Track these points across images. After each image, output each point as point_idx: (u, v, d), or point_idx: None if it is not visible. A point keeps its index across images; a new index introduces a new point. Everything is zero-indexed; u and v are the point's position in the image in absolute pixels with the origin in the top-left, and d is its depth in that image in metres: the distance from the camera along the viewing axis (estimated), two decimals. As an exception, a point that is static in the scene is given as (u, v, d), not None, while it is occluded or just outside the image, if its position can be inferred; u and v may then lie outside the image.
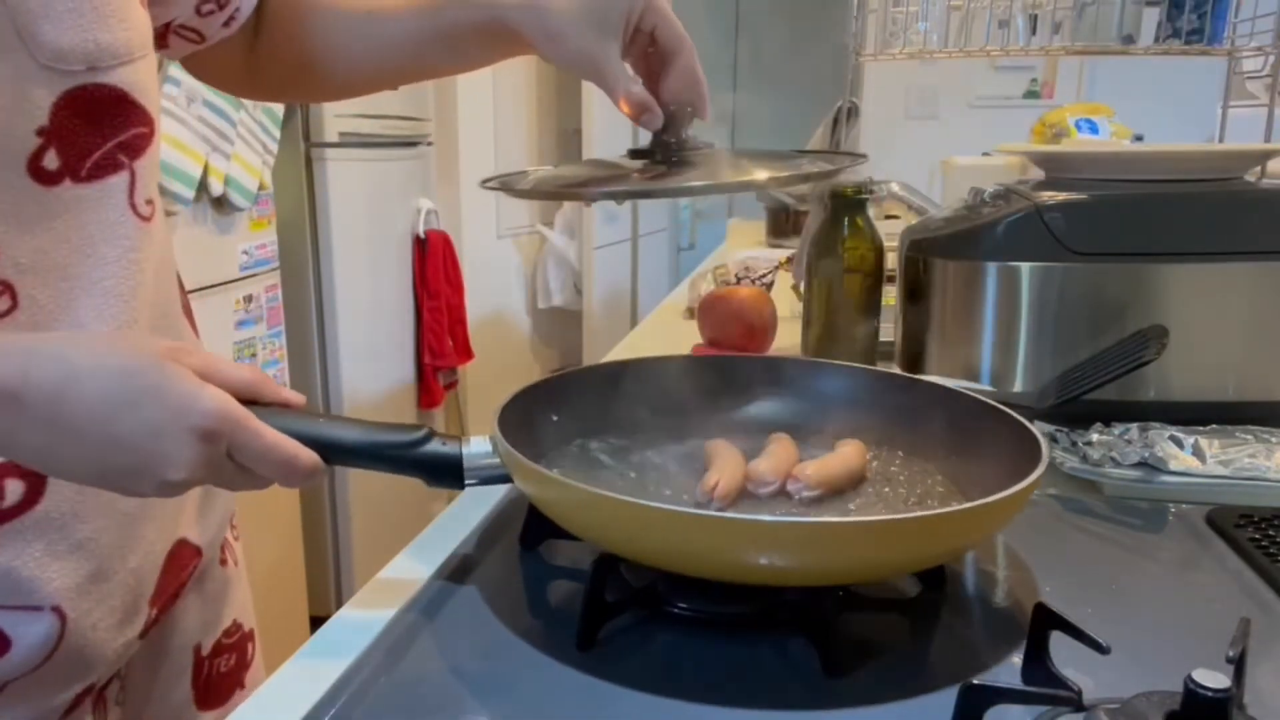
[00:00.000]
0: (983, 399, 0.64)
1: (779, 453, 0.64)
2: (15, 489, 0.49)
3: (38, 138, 0.47)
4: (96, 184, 0.51)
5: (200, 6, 0.63)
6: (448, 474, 0.54)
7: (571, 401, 0.69)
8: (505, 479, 0.55)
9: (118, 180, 0.52)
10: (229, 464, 0.46)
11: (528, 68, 3.11)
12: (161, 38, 0.65)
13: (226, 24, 0.66)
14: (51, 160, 0.48)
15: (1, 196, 0.47)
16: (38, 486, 0.50)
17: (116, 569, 0.55)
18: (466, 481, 0.54)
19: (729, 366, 0.77)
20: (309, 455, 0.48)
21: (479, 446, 0.55)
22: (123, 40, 0.51)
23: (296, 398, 0.51)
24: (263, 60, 0.70)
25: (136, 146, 0.53)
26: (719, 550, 0.47)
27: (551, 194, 0.68)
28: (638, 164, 0.63)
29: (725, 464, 0.62)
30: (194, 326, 0.65)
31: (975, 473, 0.61)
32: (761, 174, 0.62)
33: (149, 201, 0.55)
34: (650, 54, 0.64)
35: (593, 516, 0.52)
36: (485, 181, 0.63)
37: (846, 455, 0.64)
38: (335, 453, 0.50)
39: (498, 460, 0.54)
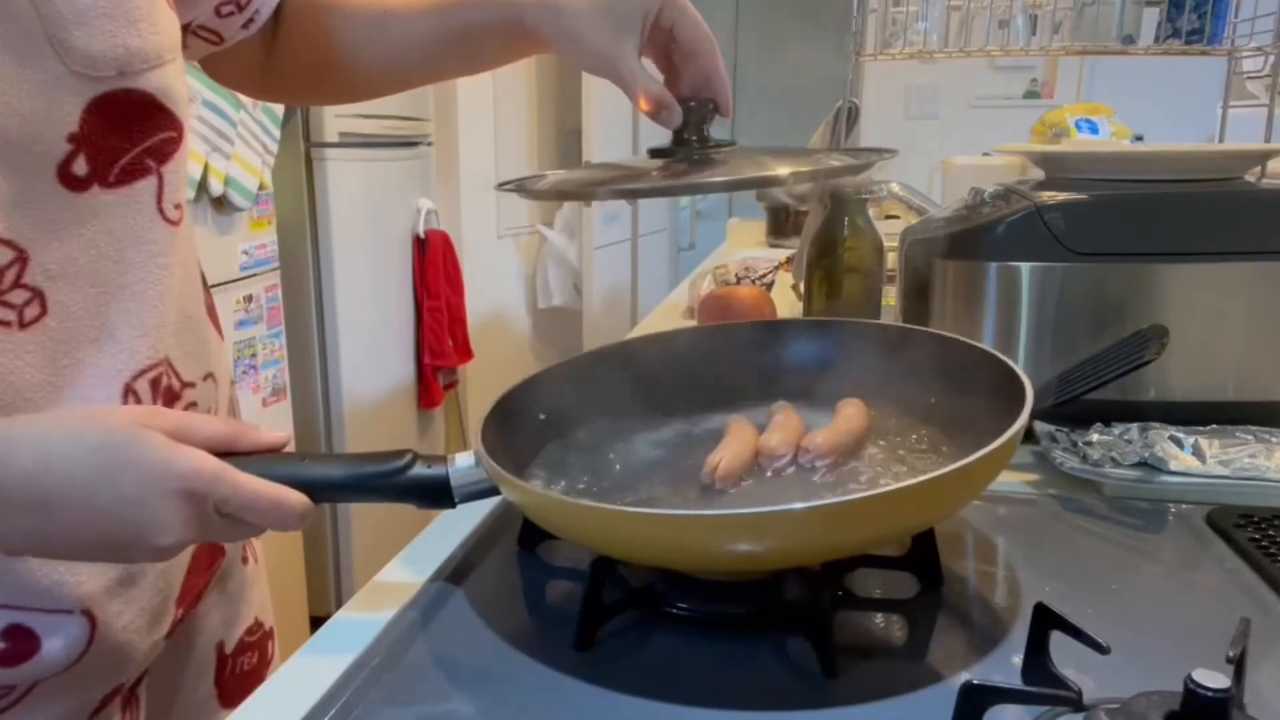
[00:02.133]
0: (968, 341, 0.64)
1: (785, 424, 0.63)
2: None
3: (68, 144, 0.47)
4: (125, 189, 0.51)
5: (220, 8, 0.63)
6: (437, 496, 0.54)
7: (556, 397, 0.68)
8: (494, 492, 0.54)
9: (146, 185, 0.52)
10: (217, 519, 0.46)
11: (528, 68, 3.11)
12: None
13: (245, 26, 0.66)
14: (81, 166, 0.48)
15: (32, 203, 0.47)
16: None
17: (145, 571, 0.55)
18: (457, 501, 0.54)
19: (709, 339, 0.76)
20: (297, 497, 0.48)
21: (464, 463, 0.54)
22: (152, 45, 0.51)
23: (277, 438, 0.51)
24: (279, 62, 0.70)
25: (164, 152, 0.53)
26: (698, 545, 0.48)
27: (569, 194, 0.67)
28: (658, 163, 0.62)
29: (731, 442, 0.62)
30: (217, 326, 0.65)
31: (968, 418, 0.60)
32: (785, 169, 0.60)
33: (177, 206, 0.55)
34: (671, 49, 0.63)
35: (577, 524, 0.53)
36: (502, 185, 0.62)
37: (850, 416, 0.63)
38: (322, 490, 0.50)
39: (485, 475, 0.54)
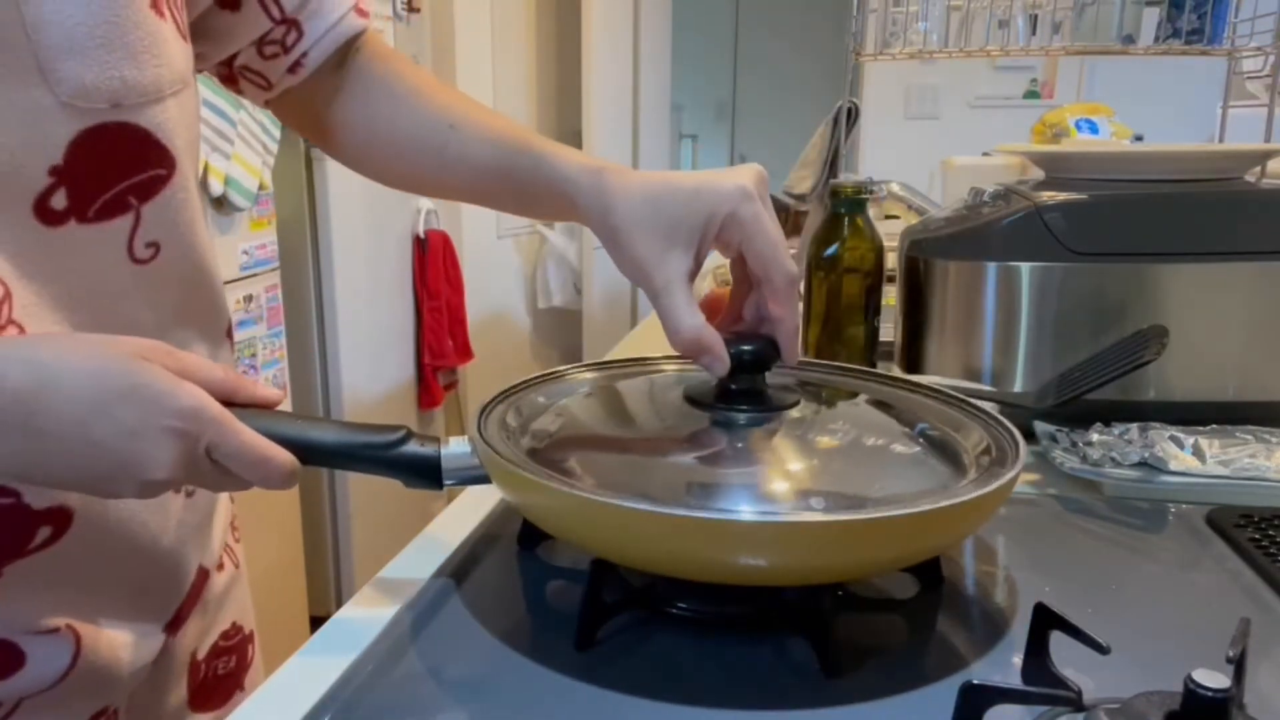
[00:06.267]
0: (964, 398, 0.63)
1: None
2: (44, 533, 0.49)
3: (49, 177, 0.45)
4: (100, 226, 0.48)
5: (262, 48, 0.62)
6: (425, 475, 0.53)
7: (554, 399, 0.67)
8: (484, 479, 0.54)
9: (121, 223, 0.49)
10: (207, 463, 0.45)
11: (527, 67, 3.11)
12: (231, 79, 0.64)
13: (292, 70, 0.63)
14: (59, 200, 0.46)
15: (4, 237, 0.45)
16: (63, 527, 0.49)
17: (135, 598, 0.55)
18: (445, 482, 0.54)
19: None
20: (285, 456, 0.47)
21: (458, 448, 0.54)
22: (152, 78, 0.48)
23: (273, 395, 0.50)
24: (337, 122, 0.68)
25: (149, 189, 0.50)
26: (694, 550, 0.47)
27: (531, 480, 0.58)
28: (689, 420, 0.56)
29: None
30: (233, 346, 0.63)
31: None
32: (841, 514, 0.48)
33: (150, 244, 0.52)
34: (741, 264, 0.57)
35: (568, 517, 0.52)
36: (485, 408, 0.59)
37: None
38: (312, 453, 0.49)
39: (476, 461, 0.54)
